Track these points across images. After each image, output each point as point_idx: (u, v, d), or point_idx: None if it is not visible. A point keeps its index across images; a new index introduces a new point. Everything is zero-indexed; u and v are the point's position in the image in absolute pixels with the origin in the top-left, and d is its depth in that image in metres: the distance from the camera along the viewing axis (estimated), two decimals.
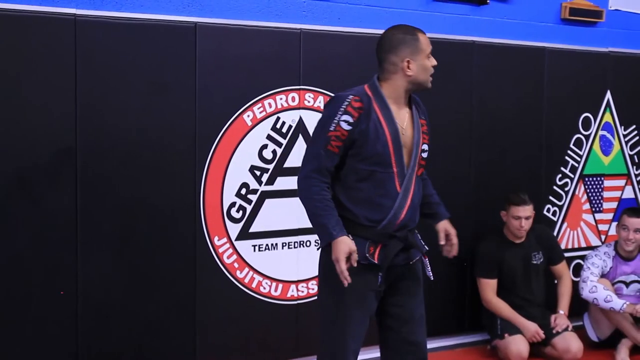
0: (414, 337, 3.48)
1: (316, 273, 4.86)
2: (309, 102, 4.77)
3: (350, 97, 3.29)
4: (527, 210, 5.13)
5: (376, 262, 3.31)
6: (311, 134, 3.64)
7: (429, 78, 3.39)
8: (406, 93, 3.40)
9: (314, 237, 4.80)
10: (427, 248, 3.51)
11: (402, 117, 3.37)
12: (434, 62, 3.41)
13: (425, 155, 3.45)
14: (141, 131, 4.31)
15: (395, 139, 3.29)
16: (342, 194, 3.34)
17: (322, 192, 3.26)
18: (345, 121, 3.24)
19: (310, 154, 3.32)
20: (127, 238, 4.33)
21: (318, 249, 3.52)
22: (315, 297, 4.86)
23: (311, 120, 4.76)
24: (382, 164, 3.28)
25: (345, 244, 3.16)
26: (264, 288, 4.75)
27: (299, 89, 4.74)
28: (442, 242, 3.60)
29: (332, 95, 4.65)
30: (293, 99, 4.72)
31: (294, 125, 4.74)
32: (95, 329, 4.29)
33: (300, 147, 4.73)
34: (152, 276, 4.41)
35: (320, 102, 4.79)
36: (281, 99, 4.69)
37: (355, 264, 3.16)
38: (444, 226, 3.61)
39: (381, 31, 5.00)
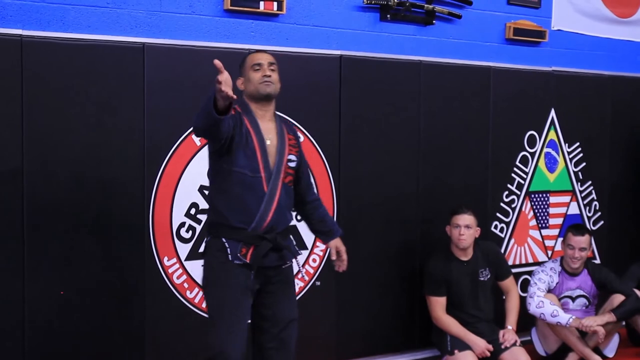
0: (283, 339, 3.79)
1: None
2: None
3: None
4: (466, 219, 5.14)
5: (248, 261, 3.60)
6: None
7: (258, 86, 3.68)
8: (263, 107, 3.71)
9: None
10: (300, 253, 3.96)
11: (268, 128, 3.70)
12: (264, 72, 3.69)
13: (292, 165, 3.75)
14: (89, 151, 4.28)
15: (262, 147, 3.64)
16: (216, 199, 3.68)
17: None
18: None
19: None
20: (76, 259, 4.29)
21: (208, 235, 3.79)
22: None
23: None
24: (251, 168, 3.60)
25: None
26: None
27: None
28: (334, 258, 4.02)
29: (281, 114, 4.74)
30: None
31: None
32: (43, 350, 4.23)
33: None
34: (101, 296, 4.37)
35: None
36: None
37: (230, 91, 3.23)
38: (336, 244, 4.02)
39: (329, 51, 5.10)
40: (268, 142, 3.66)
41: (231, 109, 3.34)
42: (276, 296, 3.76)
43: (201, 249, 4.60)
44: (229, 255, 3.61)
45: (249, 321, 3.75)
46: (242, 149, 3.58)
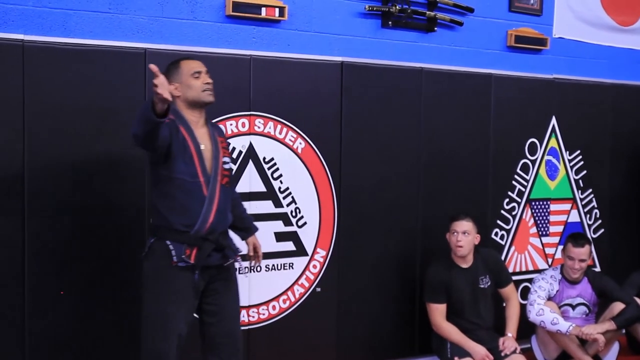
0: (230, 331, 3.95)
1: (268, 298, 4.93)
2: (259, 127, 4.79)
3: None
4: (463, 225, 5.11)
5: (192, 262, 3.71)
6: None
7: (200, 94, 3.79)
8: (196, 113, 3.82)
9: (265, 262, 4.80)
10: (241, 251, 4.03)
11: (201, 134, 3.81)
12: (204, 80, 3.81)
13: (227, 166, 3.88)
14: (91, 157, 4.28)
15: (199, 152, 3.75)
16: (159, 202, 3.77)
17: None
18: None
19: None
20: (78, 265, 4.29)
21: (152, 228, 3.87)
22: (267, 323, 4.89)
23: (261, 146, 4.79)
24: (190, 174, 3.71)
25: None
26: None
27: (249, 115, 4.76)
28: (251, 254, 4.24)
29: (282, 120, 4.77)
30: (243, 124, 4.74)
31: (244, 151, 4.75)
32: (43, 350, 4.22)
33: (250, 172, 4.75)
34: (103, 303, 4.36)
35: (270, 127, 4.81)
36: (231, 124, 4.70)
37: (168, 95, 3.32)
38: (253, 240, 4.25)
39: (331, 58, 5.11)
40: (202, 147, 3.77)
41: (169, 112, 3.42)
42: (220, 293, 3.89)
43: None
44: (174, 257, 3.69)
45: (197, 317, 3.94)
46: (180, 156, 3.69)
